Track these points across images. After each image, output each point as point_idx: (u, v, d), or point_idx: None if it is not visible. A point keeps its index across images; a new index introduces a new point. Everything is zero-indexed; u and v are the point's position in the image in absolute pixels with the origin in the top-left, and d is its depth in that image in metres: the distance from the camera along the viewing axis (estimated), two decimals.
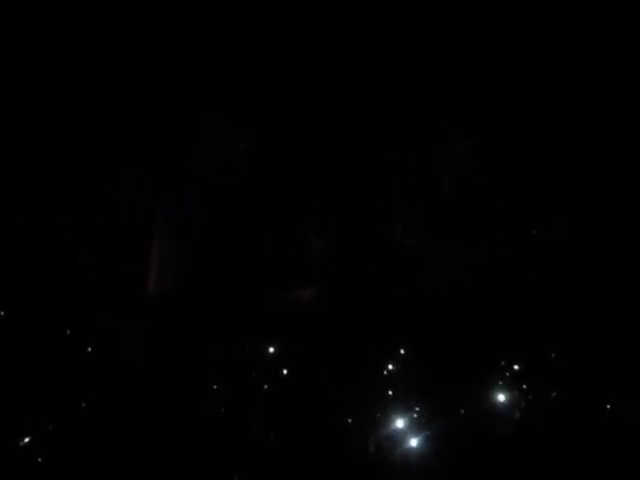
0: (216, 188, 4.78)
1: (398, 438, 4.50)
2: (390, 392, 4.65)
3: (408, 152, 5.24)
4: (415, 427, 4.52)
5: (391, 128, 5.12)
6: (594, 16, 5.32)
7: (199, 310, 4.64)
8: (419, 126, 5.22)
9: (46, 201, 4.84)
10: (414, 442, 4.47)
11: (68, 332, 4.65)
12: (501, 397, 4.66)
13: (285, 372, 4.59)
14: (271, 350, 4.63)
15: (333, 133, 5.15)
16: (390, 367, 4.72)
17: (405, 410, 4.56)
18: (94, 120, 4.92)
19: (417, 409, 4.57)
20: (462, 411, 4.58)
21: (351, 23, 5.20)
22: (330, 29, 5.16)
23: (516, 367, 4.81)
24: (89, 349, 4.60)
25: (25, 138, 4.92)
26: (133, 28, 4.98)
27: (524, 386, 4.75)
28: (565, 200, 5.37)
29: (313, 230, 5.07)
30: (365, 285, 5.01)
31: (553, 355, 4.88)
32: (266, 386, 4.57)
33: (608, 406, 4.60)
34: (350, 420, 4.54)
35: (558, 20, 5.38)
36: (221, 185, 4.78)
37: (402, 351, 4.76)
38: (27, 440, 4.38)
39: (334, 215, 5.16)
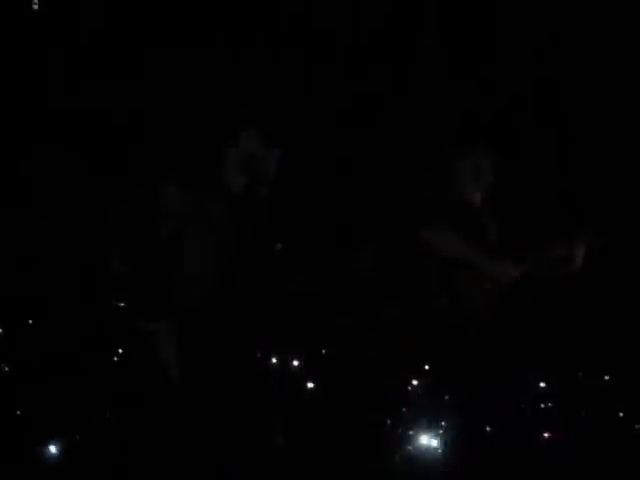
0: (248, 201, 4.80)
1: (421, 453, 4.46)
2: (417, 407, 4.63)
3: (438, 167, 5.18)
4: (440, 443, 4.49)
5: (423, 144, 5.07)
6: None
7: (227, 320, 4.67)
8: (451, 141, 5.17)
9: (84, 210, 4.93)
10: (437, 458, 4.44)
11: (99, 341, 4.73)
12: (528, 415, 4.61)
13: (310, 385, 4.61)
14: (296, 362, 4.65)
15: (364, 147, 5.14)
16: (417, 382, 4.69)
17: (430, 425, 4.53)
18: (130, 137, 4.99)
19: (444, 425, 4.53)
20: (487, 428, 4.53)
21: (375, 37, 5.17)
22: (357, 44, 5.14)
23: (546, 384, 4.75)
24: (120, 357, 4.68)
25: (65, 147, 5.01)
26: (166, 40, 5.02)
27: (550, 404, 4.69)
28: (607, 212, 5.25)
29: (348, 242, 5.07)
30: (400, 300, 4.97)
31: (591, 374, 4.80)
32: (290, 398, 4.58)
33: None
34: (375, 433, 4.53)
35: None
36: (253, 198, 4.80)
37: (430, 366, 4.72)
38: (55, 447, 4.47)
39: (371, 228, 5.15)
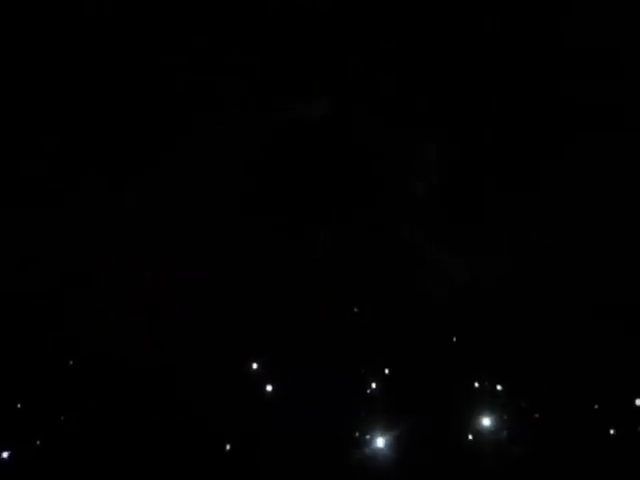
0: (231, 187, 4.78)
1: (380, 457, 4.54)
2: (376, 408, 4.67)
3: (404, 159, 5.18)
4: (399, 444, 4.56)
5: (389, 134, 5.06)
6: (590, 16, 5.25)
7: (205, 317, 4.67)
8: (414, 131, 5.16)
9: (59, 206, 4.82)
10: (396, 459, 4.51)
11: (75, 337, 4.65)
12: (491, 414, 4.69)
13: (271, 387, 4.62)
14: (257, 365, 4.66)
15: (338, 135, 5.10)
16: (377, 383, 4.73)
17: (391, 427, 4.60)
18: (105, 122, 4.86)
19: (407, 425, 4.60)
20: (452, 427, 4.62)
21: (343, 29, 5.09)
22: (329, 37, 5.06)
23: (509, 382, 4.83)
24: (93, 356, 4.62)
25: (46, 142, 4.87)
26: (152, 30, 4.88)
27: (519, 403, 4.79)
28: (566, 204, 5.31)
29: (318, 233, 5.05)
30: (362, 296, 4.98)
31: (551, 371, 4.90)
32: (252, 400, 4.60)
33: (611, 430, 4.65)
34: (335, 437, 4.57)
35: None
36: (236, 184, 4.78)
37: (389, 367, 4.76)
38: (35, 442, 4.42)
39: (337, 220, 5.14)
